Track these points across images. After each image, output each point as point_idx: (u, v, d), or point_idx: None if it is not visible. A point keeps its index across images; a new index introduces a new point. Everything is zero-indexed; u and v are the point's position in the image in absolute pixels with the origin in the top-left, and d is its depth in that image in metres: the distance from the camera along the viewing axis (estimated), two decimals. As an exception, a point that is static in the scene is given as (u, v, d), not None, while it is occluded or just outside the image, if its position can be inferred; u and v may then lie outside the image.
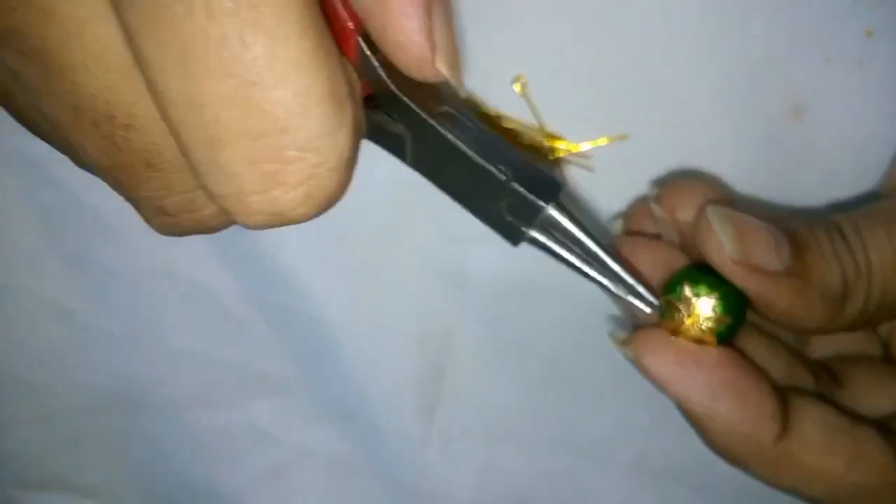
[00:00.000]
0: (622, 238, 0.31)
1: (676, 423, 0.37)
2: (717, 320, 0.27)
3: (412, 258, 0.36)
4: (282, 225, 0.20)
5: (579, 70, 0.32)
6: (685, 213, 0.30)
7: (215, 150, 0.18)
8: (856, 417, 0.29)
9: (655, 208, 0.30)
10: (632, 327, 0.29)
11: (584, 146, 0.33)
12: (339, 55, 0.19)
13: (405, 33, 0.21)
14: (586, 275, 0.26)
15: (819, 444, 0.28)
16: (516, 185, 0.24)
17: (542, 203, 0.24)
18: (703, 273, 0.28)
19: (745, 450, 0.27)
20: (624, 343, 0.28)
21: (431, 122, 0.23)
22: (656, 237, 0.31)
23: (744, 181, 0.33)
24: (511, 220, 0.25)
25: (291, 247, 0.37)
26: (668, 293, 0.28)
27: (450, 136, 0.23)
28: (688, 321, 0.27)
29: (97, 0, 0.18)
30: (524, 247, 0.27)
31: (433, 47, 0.21)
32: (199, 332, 0.39)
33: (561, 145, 0.33)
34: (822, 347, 0.32)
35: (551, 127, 0.33)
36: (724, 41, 0.31)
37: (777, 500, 0.38)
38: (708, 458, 0.38)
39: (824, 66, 0.31)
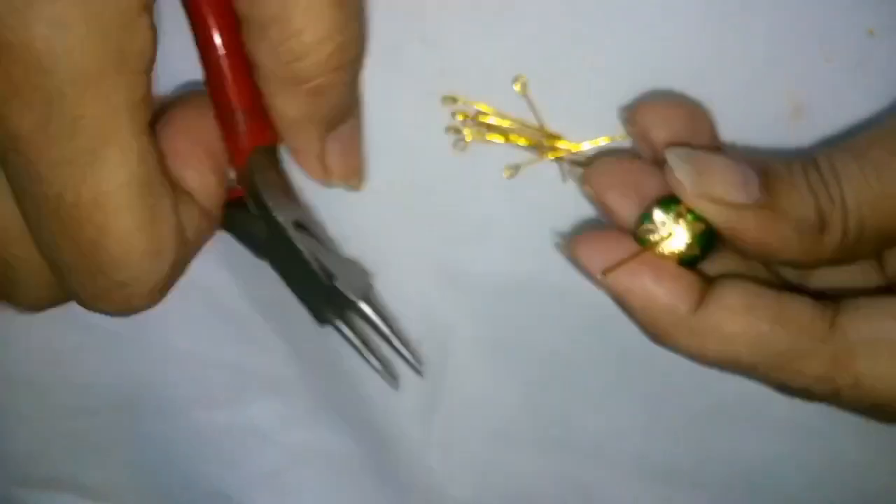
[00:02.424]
0: (597, 163, 0.31)
1: (676, 423, 0.37)
2: (689, 247, 0.28)
3: (412, 258, 0.36)
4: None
5: (579, 70, 0.32)
6: (658, 133, 0.30)
7: (66, 277, 0.28)
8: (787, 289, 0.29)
9: (628, 129, 0.31)
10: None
11: (585, 146, 0.33)
12: (169, 217, 0.28)
13: (304, 164, 0.31)
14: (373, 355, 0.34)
15: (740, 306, 0.28)
16: (337, 285, 0.32)
17: (355, 299, 0.33)
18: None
19: (664, 321, 0.28)
20: (565, 248, 0.31)
21: (285, 227, 0.31)
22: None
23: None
24: (327, 310, 0.33)
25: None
26: (659, 207, 0.28)
27: (298, 244, 0.32)
28: (660, 239, 0.28)
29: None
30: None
31: (326, 170, 0.31)
32: (199, 332, 0.39)
33: (561, 145, 0.33)
34: (823, 280, 0.32)
35: (551, 127, 0.33)
36: (724, 41, 0.31)
37: (777, 499, 0.38)
38: (708, 458, 0.38)
39: (824, 66, 0.31)
